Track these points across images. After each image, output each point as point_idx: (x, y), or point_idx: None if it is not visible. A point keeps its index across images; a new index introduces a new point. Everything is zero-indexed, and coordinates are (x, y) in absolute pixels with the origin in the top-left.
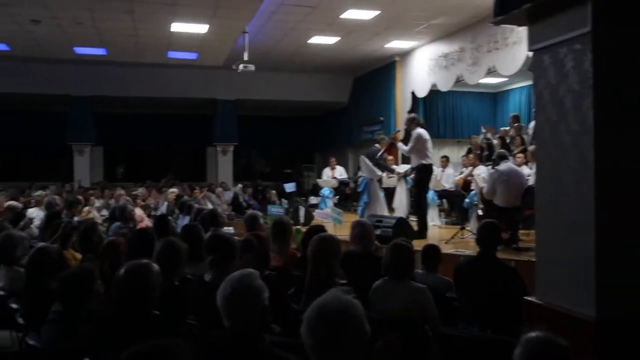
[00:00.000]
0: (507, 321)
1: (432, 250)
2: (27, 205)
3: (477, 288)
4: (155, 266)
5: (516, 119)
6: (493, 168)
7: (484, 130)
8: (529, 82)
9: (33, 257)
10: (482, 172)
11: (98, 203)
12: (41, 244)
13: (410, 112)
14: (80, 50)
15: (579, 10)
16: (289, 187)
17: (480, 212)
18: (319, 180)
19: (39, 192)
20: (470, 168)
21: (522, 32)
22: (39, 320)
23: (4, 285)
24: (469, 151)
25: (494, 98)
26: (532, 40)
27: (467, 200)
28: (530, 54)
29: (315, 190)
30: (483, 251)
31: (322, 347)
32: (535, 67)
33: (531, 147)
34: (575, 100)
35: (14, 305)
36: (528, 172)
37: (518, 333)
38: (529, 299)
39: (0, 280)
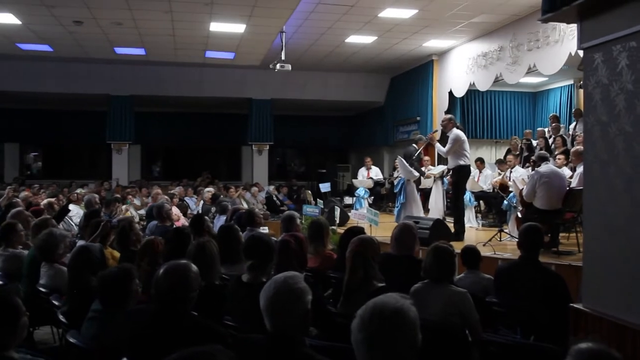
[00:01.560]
0: (551, 328)
1: (470, 250)
2: (71, 200)
3: (519, 293)
4: (194, 267)
5: (555, 119)
6: (533, 169)
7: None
8: (570, 82)
9: (76, 255)
10: (520, 173)
11: (136, 201)
12: (82, 242)
13: (447, 112)
14: (120, 50)
15: (635, 6)
16: (325, 187)
17: (519, 215)
18: (354, 181)
19: (79, 190)
20: (508, 169)
21: (564, 29)
22: (79, 317)
23: (46, 282)
24: (508, 152)
25: (534, 98)
26: (582, 38)
27: (505, 202)
28: (573, 52)
29: (350, 190)
30: (525, 255)
31: (371, 344)
32: (585, 66)
33: (574, 148)
34: (628, 101)
35: (56, 302)
36: (569, 173)
37: (563, 341)
38: (576, 306)
39: (42, 277)
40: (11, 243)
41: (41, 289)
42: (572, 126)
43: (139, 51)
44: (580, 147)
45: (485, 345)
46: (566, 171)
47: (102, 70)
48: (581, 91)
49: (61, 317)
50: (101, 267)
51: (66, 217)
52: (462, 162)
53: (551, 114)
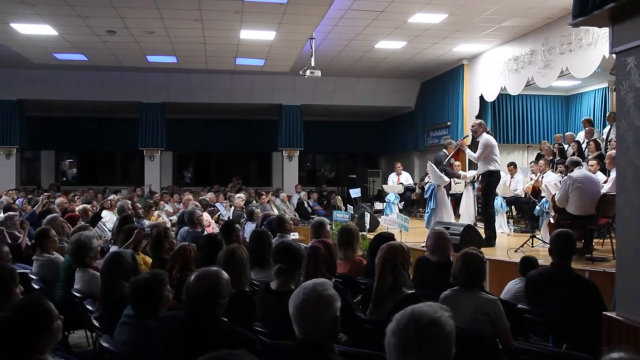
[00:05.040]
0: (584, 337)
1: (528, 260)
2: (104, 207)
3: (550, 300)
4: (225, 274)
5: (588, 123)
6: (566, 174)
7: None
8: (604, 85)
9: (108, 261)
10: (552, 178)
11: (168, 207)
12: (114, 247)
13: (478, 116)
14: (152, 58)
15: None
16: (355, 192)
17: (551, 220)
18: (384, 186)
19: (112, 196)
20: (539, 174)
21: (598, 32)
22: (111, 322)
23: (80, 287)
24: (539, 157)
25: (566, 101)
26: (615, 42)
27: (537, 207)
28: (607, 55)
29: (380, 195)
30: (557, 262)
31: (402, 350)
32: (618, 70)
33: (609, 152)
34: None
35: (89, 307)
36: (603, 178)
37: (595, 351)
38: (609, 314)
39: (77, 282)
40: (45, 248)
41: (76, 293)
42: (606, 130)
43: (171, 59)
44: (614, 152)
45: (516, 353)
46: (600, 176)
47: (135, 78)
48: (615, 94)
49: (94, 322)
50: (133, 273)
51: (99, 223)
52: (492, 168)
53: (584, 118)
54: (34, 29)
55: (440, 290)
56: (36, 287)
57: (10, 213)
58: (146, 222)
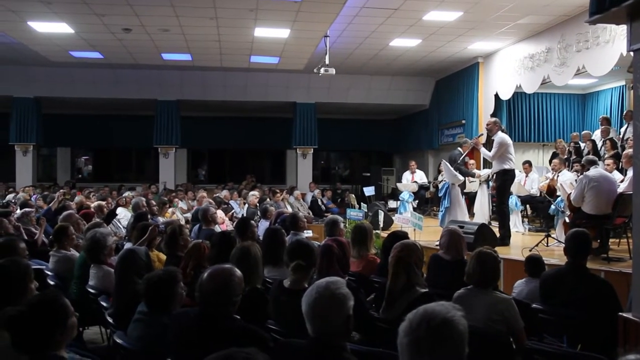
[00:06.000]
0: (599, 338)
1: (533, 259)
2: (119, 204)
3: (565, 300)
4: (238, 271)
5: (605, 121)
6: (582, 173)
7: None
8: (621, 83)
9: (122, 258)
10: (568, 177)
11: (182, 204)
12: (129, 244)
13: (493, 115)
14: (167, 56)
15: None
16: (369, 190)
17: (567, 219)
18: (398, 185)
19: (127, 193)
20: (554, 173)
21: (615, 30)
22: (125, 319)
23: (95, 284)
24: (554, 155)
25: (583, 100)
26: (632, 39)
27: (552, 206)
28: (624, 52)
29: (394, 194)
30: (572, 262)
31: (414, 350)
32: (635, 68)
33: (626, 151)
34: None
35: (104, 303)
36: (620, 177)
37: (611, 352)
38: (625, 315)
39: (91, 279)
40: (63, 245)
41: (90, 290)
42: (623, 129)
43: (185, 57)
44: (631, 150)
45: (530, 353)
46: (617, 175)
47: (150, 76)
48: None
49: (108, 318)
50: (147, 270)
51: (114, 220)
52: (506, 166)
53: (602, 116)
54: (51, 27)
55: (454, 289)
56: (52, 283)
57: (27, 209)
58: (160, 220)
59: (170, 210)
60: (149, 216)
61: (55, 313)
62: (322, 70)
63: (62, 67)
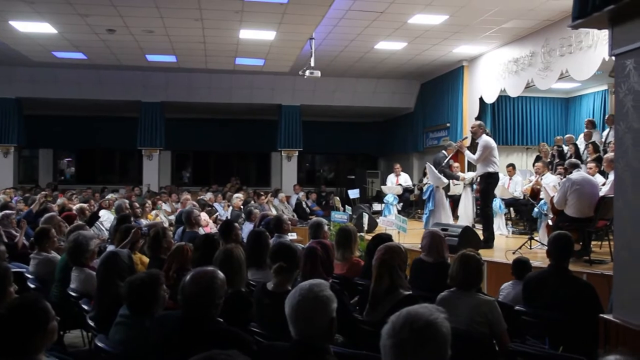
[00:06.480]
0: (580, 339)
1: (520, 262)
2: (102, 207)
3: (548, 302)
4: (220, 274)
5: (590, 124)
6: (564, 177)
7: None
8: (604, 87)
9: (104, 260)
10: (551, 180)
11: (166, 207)
12: (112, 246)
13: (477, 118)
14: (152, 57)
15: None
16: (353, 193)
17: (550, 222)
18: (383, 187)
19: (110, 195)
20: (537, 176)
21: (598, 34)
22: (107, 322)
23: (76, 287)
24: (538, 158)
25: (566, 103)
26: (614, 44)
27: (536, 209)
28: (607, 57)
29: (379, 196)
30: (555, 264)
31: (397, 352)
32: (617, 73)
33: (607, 155)
34: None
35: (85, 307)
36: (602, 180)
37: (592, 353)
38: (605, 316)
39: (73, 281)
40: (44, 247)
41: (71, 293)
42: (605, 133)
43: (170, 58)
44: (612, 154)
45: (513, 355)
46: (599, 178)
47: (134, 77)
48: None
49: (90, 322)
50: (129, 273)
51: (97, 222)
52: (490, 169)
53: (587, 119)
54: (33, 27)
55: (437, 291)
56: (32, 285)
57: (7, 212)
58: (144, 222)
59: (153, 212)
60: (132, 218)
61: (35, 316)
62: (307, 73)
63: (45, 68)
